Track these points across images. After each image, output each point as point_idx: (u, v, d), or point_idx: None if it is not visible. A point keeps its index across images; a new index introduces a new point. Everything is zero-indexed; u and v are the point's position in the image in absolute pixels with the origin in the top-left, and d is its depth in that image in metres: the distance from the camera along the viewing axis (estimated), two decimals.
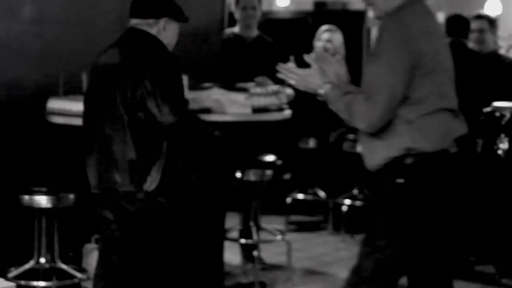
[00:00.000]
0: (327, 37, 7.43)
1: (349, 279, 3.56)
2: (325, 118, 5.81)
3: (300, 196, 7.58)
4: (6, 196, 4.91)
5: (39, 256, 4.90)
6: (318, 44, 7.47)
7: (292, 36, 7.78)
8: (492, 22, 6.71)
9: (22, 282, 4.80)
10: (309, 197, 7.58)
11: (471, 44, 6.57)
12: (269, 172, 5.70)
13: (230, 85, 5.10)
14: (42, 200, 4.77)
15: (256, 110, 5.00)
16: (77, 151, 5.20)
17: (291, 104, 5.48)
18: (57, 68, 5.21)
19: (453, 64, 5.90)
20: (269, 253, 6.22)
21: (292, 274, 5.82)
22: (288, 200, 7.49)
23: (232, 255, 6.00)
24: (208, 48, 5.97)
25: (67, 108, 4.90)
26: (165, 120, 3.82)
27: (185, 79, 4.22)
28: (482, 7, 10.68)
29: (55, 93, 5.12)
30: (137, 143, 3.85)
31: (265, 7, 8.93)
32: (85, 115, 4.10)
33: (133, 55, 3.93)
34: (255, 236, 5.73)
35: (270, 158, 5.93)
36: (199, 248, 4.68)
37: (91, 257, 5.12)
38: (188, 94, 4.47)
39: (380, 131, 3.43)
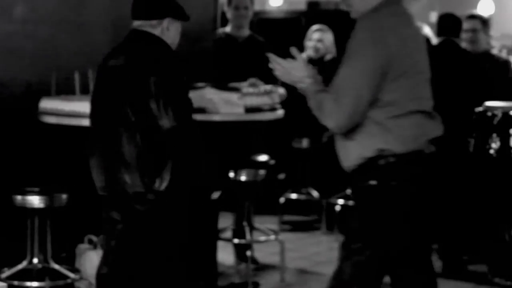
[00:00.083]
0: (318, 37, 7.44)
1: (330, 283, 3.57)
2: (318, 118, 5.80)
3: (294, 196, 7.59)
4: None
5: (32, 256, 4.89)
6: (309, 44, 7.47)
7: (285, 36, 7.77)
8: (484, 22, 6.72)
9: (15, 283, 4.79)
10: (303, 197, 7.58)
11: (464, 44, 6.58)
12: (262, 172, 5.70)
13: (222, 85, 5.10)
14: (35, 200, 4.76)
15: (249, 109, 5.00)
16: (70, 151, 5.22)
17: (284, 104, 5.48)
18: (49, 68, 5.20)
19: (445, 64, 5.96)
20: (263, 253, 6.23)
21: (285, 274, 5.82)
22: (282, 200, 7.49)
23: (225, 255, 6.01)
24: (200, 48, 5.96)
25: (60, 108, 4.90)
26: (165, 124, 3.82)
27: None
28: (475, 6, 10.72)
29: (47, 93, 5.11)
30: (146, 144, 3.85)
31: (258, 6, 8.93)
32: (93, 116, 4.07)
33: (138, 58, 3.92)
34: (248, 236, 5.72)
35: (263, 158, 5.93)
36: (193, 248, 4.67)
37: (84, 258, 5.12)
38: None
39: (353, 132, 3.44)
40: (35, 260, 4.89)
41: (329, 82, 3.50)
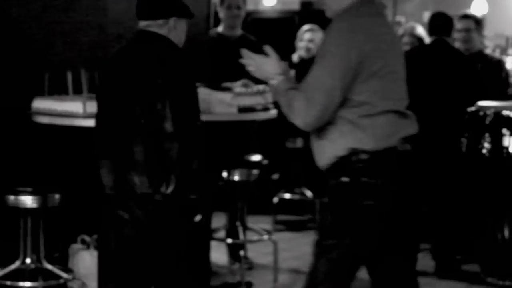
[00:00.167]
0: (309, 37, 7.45)
1: (305, 281, 3.58)
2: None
3: (287, 195, 7.59)
4: None
5: (24, 256, 4.88)
6: (301, 44, 7.48)
7: (278, 36, 7.78)
8: (478, 22, 6.73)
9: (8, 283, 4.79)
10: (296, 197, 7.58)
11: (457, 44, 6.59)
12: (255, 171, 5.69)
13: (215, 85, 5.10)
14: (28, 200, 4.75)
15: (242, 109, 5.00)
16: (63, 151, 5.22)
17: (277, 103, 5.47)
18: (42, 68, 5.19)
19: (436, 63, 5.96)
20: (256, 253, 6.23)
21: (278, 273, 5.82)
22: (275, 199, 7.49)
23: (218, 255, 6.01)
24: (193, 48, 5.95)
25: (52, 108, 4.89)
26: (168, 127, 3.82)
27: None
28: (468, 6, 10.72)
29: (40, 93, 5.11)
30: (155, 146, 3.84)
31: (251, 6, 8.94)
32: (101, 117, 4.04)
33: (146, 59, 3.91)
34: (241, 236, 5.72)
35: (256, 157, 5.93)
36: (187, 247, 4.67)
37: (77, 258, 5.12)
38: None
39: (326, 132, 3.46)
40: (28, 260, 4.88)
41: None
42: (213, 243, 5.51)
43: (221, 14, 6.11)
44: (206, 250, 5.26)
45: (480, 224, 5.86)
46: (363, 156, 3.41)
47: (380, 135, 3.42)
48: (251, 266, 6.08)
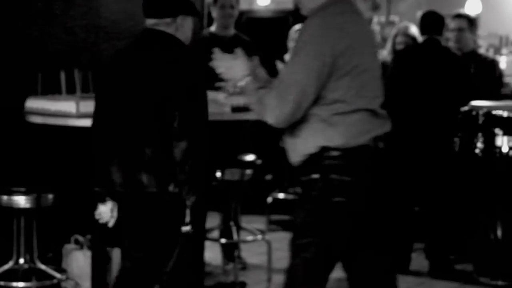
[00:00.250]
0: None
1: (284, 281, 3.59)
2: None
3: (281, 195, 7.59)
4: None
5: (18, 256, 4.88)
6: (291, 44, 7.47)
7: (272, 35, 7.78)
8: (471, 21, 6.73)
9: (1, 283, 4.78)
10: (290, 197, 7.58)
11: (450, 43, 6.59)
12: (249, 171, 5.70)
13: (208, 85, 5.08)
14: (21, 200, 4.75)
15: (236, 109, 5.00)
16: (56, 151, 5.21)
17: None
18: (35, 68, 5.19)
19: (427, 62, 5.96)
20: (250, 253, 6.23)
21: (272, 273, 5.82)
22: (269, 199, 7.50)
23: (212, 255, 6.00)
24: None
25: (46, 108, 4.88)
26: (176, 127, 3.82)
27: None
28: (462, 6, 10.72)
29: (33, 93, 5.10)
30: (164, 144, 3.84)
31: (245, 6, 8.93)
32: (109, 116, 4.02)
33: (154, 59, 3.90)
34: (235, 236, 5.73)
35: (250, 157, 5.93)
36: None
37: (71, 258, 5.12)
38: None
39: (299, 129, 3.47)
40: (21, 260, 4.88)
41: None
42: (207, 243, 5.51)
43: (214, 13, 6.10)
44: (200, 250, 5.26)
45: (473, 223, 5.87)
46: (334, 153, 3.42)
47: (352, 133, 3.42)
48: (245, 266, 6.08)
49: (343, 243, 3.52)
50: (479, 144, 5.63)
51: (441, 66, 5.98)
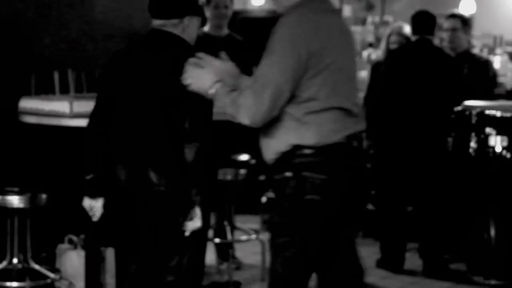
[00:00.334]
0: None
1: (268, 281, 3.59)
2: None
3: None
4: None
5: (11, 256, 4.87)
6: None
7: (266, 35, 7.76)
8: (465, 21, 6.74)
9: None
10: None
11: (444, 43, 6.60)
12: (243, 171, 5.69)
13: None
14: (15, 200, 4.74)
15: None
16: (50, 151, 5.20)
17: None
18: (29, 68, 5.19)
19: (419, 62, 5.96)
20: (244, 253, 6.23)
21: (266, 273, 5.81)
22: (263, 199, 7.49)
23: (207, 254, 5.98)
24: None
25: (39, 108, 4.89)
26: (186, 127, 3.83)
27: None
28: (456, 6, 10.74)
29: (27, 93, 5.10)
30: (173, 145, 3.84)
31: (240, 5, 8.93)
32: (116, 114, 4.02)
33: (163, 60, 3.90)
34: (229, 236, 5.73)
35: (244, 157, 5.93)
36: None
37: (65, 258, 5.11)
38: None
39: (272, 128, 3.46)
40: (15, 260, 4.87)
41: None
42: None
43: (208, 13, 6.09)
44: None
45: (467, 223, 5.88)
46: (307, 151, 3.42)
47: (324, 132, 3.42)
48: (239, 266, 6.08)
49: (319, 241, 3.51)
50: (473, 144, 5.63)
51: (432, 66, 5.98)
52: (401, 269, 6.05)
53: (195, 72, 3.58)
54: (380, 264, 6.11)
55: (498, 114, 5.59)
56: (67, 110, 4.75)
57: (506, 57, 9.30)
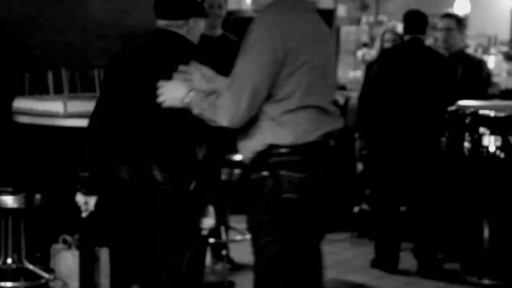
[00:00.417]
0: None
1: (253, 281, 3.59)
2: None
3: None
4: None
5: (6, 256, 4.88)
6: None
7: None
8: (459, 21, 6.75)
9: None
10: None
11: (438, 43, 6.60)
12: (237, 171, 5.70)
13: None
14: (9, 200, 4.74)
15: None
16: (44, 151, 5.20)
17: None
18: (22, 67, 5.18)
19: (410, 62, 5.96)
20: (238, 253, 6.22)
21: None
22: None
23: None
24: None
25: (33, 108, 4.88)
26: (191, 126, 3.83)
27: None
28: (451, 6, 10.76)
29: (21, 93, 5.09)
30: (179, 143, 3.84)
31: (234, 5, 8.93)
32: (121, 114, 4.01)
33: (169, 60, 3.90)
34: (224, 236, 5.72)
35: (238, 157, 5.92)
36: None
37: (59, 258, 5.11)
38: None
39: (249, 127, 3.46)
40: (9, 260, 4.88)
41: None
42: None
43: None
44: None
45: (461, 223, 5.89)
46: (282, 150, 3.42)
47: (300, 130, 3.42)
48: (233, 266, 6.07)
49: (299, 240, 3.51)
50: (466, 144, 5.64)
51: (424, 66, 5.98)
52: (395, 269, 6.06)
53: (166, 87, 3.58)
54: (375, 264, 6.12)
55: (492, 114, 5.60)
56: (61, 110, 4.74)
57: (500, 57, 9.32)
